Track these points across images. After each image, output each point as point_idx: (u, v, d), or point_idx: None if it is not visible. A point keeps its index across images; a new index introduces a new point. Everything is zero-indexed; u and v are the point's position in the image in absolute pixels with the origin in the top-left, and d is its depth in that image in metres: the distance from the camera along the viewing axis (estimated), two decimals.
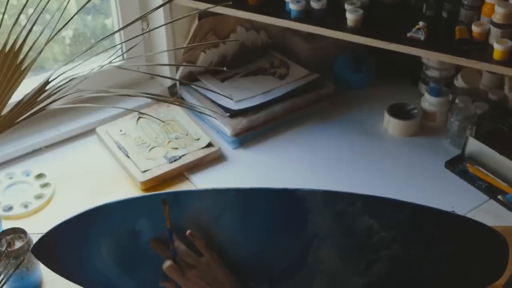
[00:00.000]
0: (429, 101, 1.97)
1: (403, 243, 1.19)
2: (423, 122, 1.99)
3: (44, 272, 1.45)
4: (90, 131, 1.94)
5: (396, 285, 1.25)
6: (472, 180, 1.79)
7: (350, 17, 1.78)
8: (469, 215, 1.42)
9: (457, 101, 1.91)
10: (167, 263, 1.16)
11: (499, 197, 1.73)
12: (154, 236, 1.19)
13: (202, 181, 1.78)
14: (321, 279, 1.23)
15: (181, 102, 1.89)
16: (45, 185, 1.76)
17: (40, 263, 1.34)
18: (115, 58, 1.32)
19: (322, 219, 1.16)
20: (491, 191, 1.75)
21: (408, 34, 1.76)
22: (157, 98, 1.71)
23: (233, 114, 1.91)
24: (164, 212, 1.15)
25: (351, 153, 1.90)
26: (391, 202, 1.16)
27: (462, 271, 1.24)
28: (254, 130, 1.93)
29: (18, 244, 1.39)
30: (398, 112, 1.97)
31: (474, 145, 1.83)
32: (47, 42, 1.31)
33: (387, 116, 1.96)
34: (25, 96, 1.37)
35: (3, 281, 1.33)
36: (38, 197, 1.73)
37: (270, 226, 1.18)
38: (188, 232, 1.17)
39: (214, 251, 1.18)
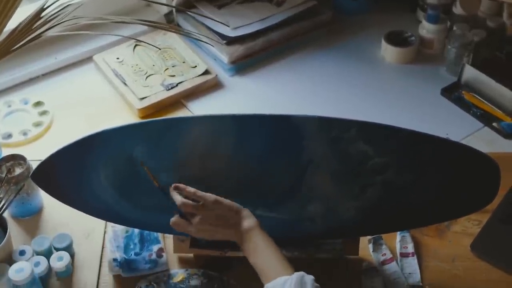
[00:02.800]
0: (426, 28, 1.96)
1: (396, 168, 1.21)
2: (420, 49, 1.98)
3: (45, 198, 1.48)
4: (87, 59, 1.93)
5: (389, 210, 1.28)
6: (467, 107, 1.79)
7: None
8: (463, 142, 1.44)
9: (454, 28, 1.90)
10: (172, 219, 1.19)
11: (494, 124, 1.74)
12: (150, 163, 1.20)
13: (199, 108, 1.79)
14: (316, 203, 1.25)
15: (177, 29, 1.87)
16: (43, 113, 1.77)
17: (40, 189, 1.36)
18: None
19: (317, 145, 1.17)
20: (486, 118, 1.76)
21: None
22: (154, 25, 1.69)
23: (230, 41, 1.90)
24: (148, 174, 1.17)
25: (347, 80, 1.90)
26: (386, 128, 1.17)
27: (454, 196, 1.27)
28: (251, 57, 1.93)
29: (18, 171, 1.41)
30: (396, 39, 1.96)
31: (470, 73, 1.83)
32: None
33: (384, 43, 1.95)
34: (21, 23, 1.36)
35: (4, 206, 1.36)
36: (37, 124, 1.74)
37: (266, 152, 1.19)
38: (171, 187, 1.19)
39: (207, 194, 1.19)
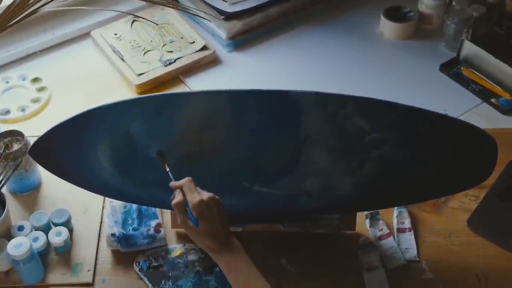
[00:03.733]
0: (426, 4, 1.95)
1: (394, 144, 1.21)
2: (419, 25, 1.97)
3: (43, 174, 1.48)
4: (84, 35, 1.92)
5: (387, 185, 1.28)
6: (466, 83, 1.79)
7: None
8: (461, 118, 1.43)
9: (454, 3, 1.89)
10: (175, 201, 1.14)
11: (492, 100, 1.74)
12: (148, 139, 1.20)
13: (197, 84, 1.79)
14: (313, 178, 1.26)
15: (175, 4, 1.86)
16: (41, 89, 1.77)
17: (38, 164, 1.36)
18: None
19: (314, 120, 1.17)
20: (485, 94, 1.76)
21: None
22: (152, 1, 1.69)
23: (228, 16, 1.89)
24: (163, 165, 1.18)
25: (346, 56, 1.89)
26: (383, 103, 1.17)
27: (452, 172, 1.27)
28: (249, 33, 1.92)
29: (15, 147, 1.41)
30: (394, 14, 1.95)
31: (469, 48, 1.82)
32: None
33: (383, 19, 1.94)
34: None
35: (3, 182, 1.37)
36: (35, 100, 1.74)
37: (263, 127, 1.19)
38: (170, 184, 1.16)
39: (214, 197, 1.15)
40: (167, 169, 1.18)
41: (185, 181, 1.14)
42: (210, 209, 1.12)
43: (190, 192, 1.13)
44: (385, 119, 1.18)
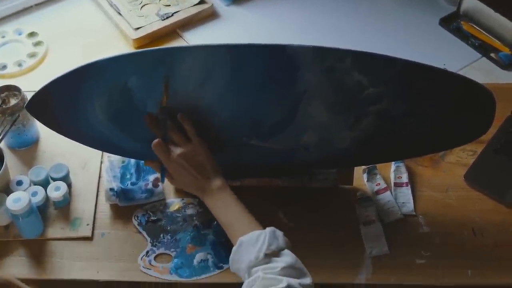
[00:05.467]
0: None
1: (392, 98, 1.21)
2: None
3: (41, 129, 1.48)
4: None
5: (384, 140, 1.28)
6: (465, 37, 1.78)
7: None
8: (460, 73, 1.42)
9: None
10: (156, 141, 1.20)
11: (492, 55, 1.73)
12: (145, 93, 1.20)
13: (194, 38, 1.78)
14: (310, 133, 1.26)
15: None
16: (37, 44, 1.75)
17: (35, 120, 1.36)
18: None
19: (312, 75, 1.17)
20: (484, 49, 1.75)
21: None
22: None
23: None
24: (163, 88, 1.17)
25: (344, 10, 1.88)
26: (381, 58, 1.16)
27: (450, 126, 1.27)
28: None
29: (13, 101, 1.41)
30: None
31: (469, 2, 1.80)
32: None
33: None
34: None
35: (0, 137, 1.36)
36: (32, 55, 1.72)
37: (260, 82, 1.19)
38: (179, 115, 1.21)
39: (201, 138, 1.21)
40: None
41: (153, 145, 1.20)
42: (182, 164, 1.20)
43: (160, 154, 1.21)
44: (384, 74, 1.18)
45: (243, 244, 1.11)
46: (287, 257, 1.08)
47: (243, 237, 1.12)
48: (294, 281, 1.04)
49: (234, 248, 1.13)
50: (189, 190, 1.25)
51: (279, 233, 1.12)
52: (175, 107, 1.21)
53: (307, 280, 1.06)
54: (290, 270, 1.06)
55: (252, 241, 1.10)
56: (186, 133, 1.22)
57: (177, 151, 1.21)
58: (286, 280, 1.03)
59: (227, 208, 1.18)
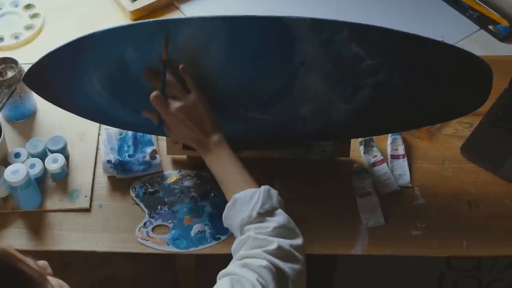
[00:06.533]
0: None
1: (389, 70, 1.21)
2: None
3: (38, 101, 1.48)
4: None
5: (381, 113, 1.28)
6: (463, 9, 1.77)
7: None
8: (458, 45, 1.43)
9: None
10: (155, 93, 1.18)
11: (490, 27, 1.72)
12: (142, 65, 1.20)
13: (191, 10, 1.77)
14: (307, 105, 1.26)
15: None
16: (34, 16, 1.74)
17: (33, 92, 1.36)
18: None
19: (309, 46, 1.17)
20: (482, 21, 1.74)
21: None
22: None
23: None
24: (163, 42, 1.16)
25: None
26: (378, 29, 1.16)
27: (446, 99, 1.27)
28: None
29: (9, 74, 1.41)
30: None
31: None
32: None
33: None
34: None
35: None
36: (28, 27, 1.72)
37: (258, 53, 1.18)
38: (181, 66, 1.18)
39: (201, 92, 1.19)
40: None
41: (152, 97, 1.17)
42: (180, 117, 1.18)
43: (158, 107, 1.18)
44: (381, 46, 1.18)
45: (237, 201, 1.11)
46: (280, 217, 1.09)
47: (238, 194, 1.12)
48: (285, 242, 1.04)
49: (228, 204, 1.13)
50: (187, 142, 1.24)
51: (274, 192, 1.12)
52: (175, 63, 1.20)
53: (299, 241, 1.07)
54: (282, 230, 1.06)
55: (246, 199, 1.10)
56: (186, 87, 1.20)
57: (176, 104, 1.18)
58: (277, 241, 1.03)
59: (224, 165, 1.18)
